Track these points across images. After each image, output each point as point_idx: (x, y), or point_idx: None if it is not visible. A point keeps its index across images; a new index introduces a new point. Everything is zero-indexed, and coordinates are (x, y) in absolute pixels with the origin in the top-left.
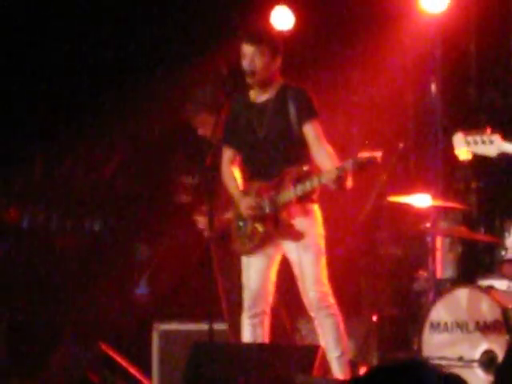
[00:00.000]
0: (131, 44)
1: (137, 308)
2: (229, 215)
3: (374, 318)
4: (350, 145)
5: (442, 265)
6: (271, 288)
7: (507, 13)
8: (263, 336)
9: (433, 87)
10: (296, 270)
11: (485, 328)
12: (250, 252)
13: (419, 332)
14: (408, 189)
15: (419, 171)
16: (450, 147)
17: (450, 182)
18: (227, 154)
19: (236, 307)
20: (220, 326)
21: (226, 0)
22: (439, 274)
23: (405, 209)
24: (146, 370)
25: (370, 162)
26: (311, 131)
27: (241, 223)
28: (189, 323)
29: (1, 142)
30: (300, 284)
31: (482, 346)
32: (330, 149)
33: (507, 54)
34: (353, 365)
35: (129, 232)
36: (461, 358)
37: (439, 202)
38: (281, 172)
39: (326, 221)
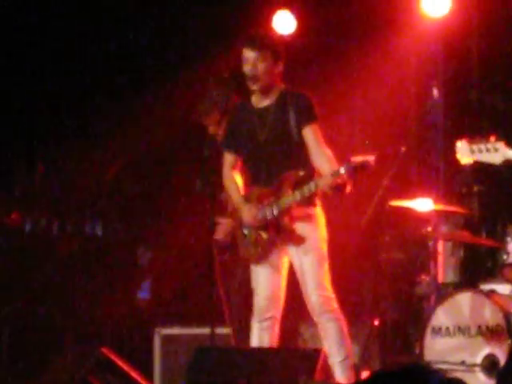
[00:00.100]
0: (134, 47)
1: (139, 312)
2: (231, 222)
3: (376, 323)
4: (352, 149)
5: (444, 269)
6: (281, 294)
7: (509, 17)
8: (271, 342)
9: (435, 91)
10: (298, 275)
11: (487, 332)
12: (257, 259)
13: (421, 336)
14: (410, 193)
15: (421, 175)
16: (451, 151)
17: (452, 186)
18: (229, 158)
19: (238, 312)
20: (222, 331)
21: (228, 4)
22: (441, 279)
23: (407, 213)
24: (148, 375)
25: (364, 166)
26: (310, 135)
27: (245, 230)
28: (191, 327)
29: (2, 146)
30: (302, 288)
31: (483, 350)
32: (329, 152)
33: (509, 58)
34: (355, 369)
35: (131, 236)
36: (463, 363)
37: (441, 207)
38: (280, 177)
39: (329, 225)
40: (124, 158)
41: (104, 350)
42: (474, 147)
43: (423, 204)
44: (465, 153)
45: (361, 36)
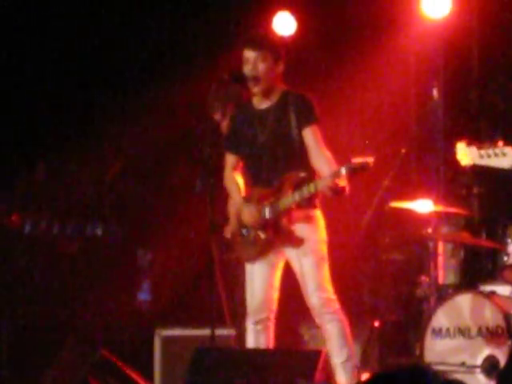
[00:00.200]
0: (135, 48)
1: (139, 313)
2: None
3: (376, 324)
4: (352, 149)
5: (444, 270)
6: (275, 295)
7: (509, 18)
8: (267, 342)
9: (435, 92)
10: (298, 277)
11: (487, 334)
12: (253, 259)
13: (421, 338)
14: (410, 194)
15: (421, 177)
16: (451, 152)
17: (452, 187)
18: (230, 160)
19: (240, 312)
20: (222, 332)
21: (228, 6)
22: (441, 280)
23: (407, 214)
24: (148, 376)
25: (363, 167)
26: (310, 136)
27: (244, 230)
28: (191, 329)
29: (3, 147)
30: (303, 290)
31: (484, 351)
32: (328, 154)
33: (509, 58)
34: (357, 370)
35: (131, 237)
36: (463, 364)
37: (441, 208)
38: (281, 178)
39: (329, 226)
40: (124, 159)
41: (104, 351)
42: (483, 152)
43: (423, 205)
44: (474, 159)
45: (361, 37)
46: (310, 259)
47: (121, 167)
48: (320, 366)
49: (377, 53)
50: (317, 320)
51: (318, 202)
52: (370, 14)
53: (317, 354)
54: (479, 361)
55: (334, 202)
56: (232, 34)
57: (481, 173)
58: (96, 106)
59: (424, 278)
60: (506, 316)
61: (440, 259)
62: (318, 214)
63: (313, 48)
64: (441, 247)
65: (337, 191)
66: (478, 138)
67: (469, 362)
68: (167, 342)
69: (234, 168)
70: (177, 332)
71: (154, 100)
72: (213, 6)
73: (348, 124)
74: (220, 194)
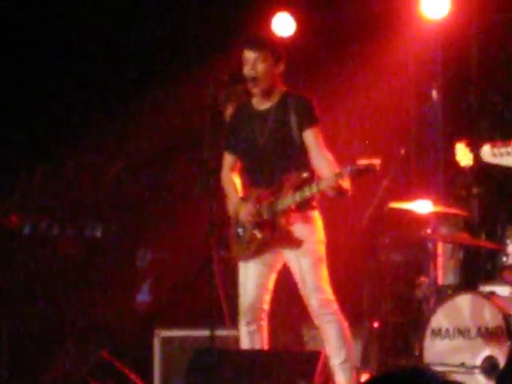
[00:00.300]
0: (134, 49)
1: (138, 314)
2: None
3: (376, 325)
4: (351, 150)
5: (444, 271)
6: (268, 296)
7: (508, 18)
8: (262, 343)
9: (434, 93)
10: (297, 278)
11: (486, 334)
12: (248, 258)
13: (420, 338)
14: (409, 195)
15: (420, 177)
16: (451, 153)
17: (452, 187)
18: (228, 160)
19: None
20: (222, 332)
21: (227, 6)
22: (440, 281)
23: (406, 215)
24: (147, 377)
25: (369, 169)
26: (311, 138)
27: (239, 229)
28: (190, 329)
29: (2, 148)
30: (302, 291)
31: (483, 352)
32: (329, 156)
33: (508, 58)
34: (356, 371)
35: (130, 238)
36: (462, 365)
37: (440, 208)
38: (280, 179)
39: (328, 227)
40: (123, 159)
41: (103, 352)
42: (496, 151)
43: (423, 206)
44: (488, 157)
45: (360, 38)
46: (309, 260)
47: (120, 168)
48: (319, 367)
49: (376, 54)
50: (315, 321)
51: (316, 203)
52: (369, 14)
53: (316, 354)
54: (479, 361)
55: (333, 202)
56: (231, 34)
57: (480, 173)
58: (95, 106)
59: (423, 279)
60: (505, 316)
61: (439, 260)
62: (316, 214)
63: (312, 49)
64: (440, 248)
65: (340, 192)
66: (477, 139)
67: (468, 362)
68: (166, 342)
69: (232, 168)
70: (176, 333)
71: (153, 100)
72: (212, 7)
73: (347, 124)
74: (220, 195)
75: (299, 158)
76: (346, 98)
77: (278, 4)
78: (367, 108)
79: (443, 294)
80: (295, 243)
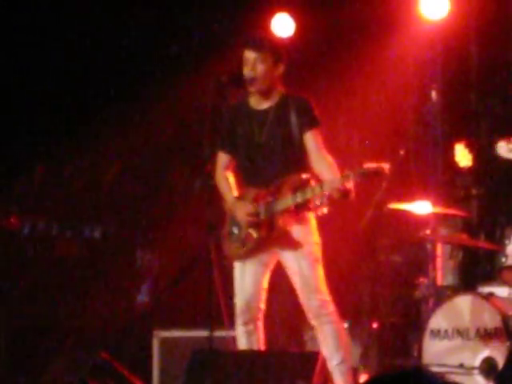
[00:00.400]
0: (133, 49)
1: (137, 315)
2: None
3: (375, 325)
4: (351, 152)
5: (443, 272)
6: (263, 295)
7: (507, 19)
8: (259, 343)
9: (433, 94)
10: (294, 279)
11: (485, 335)
12: (242, 257)
13: (419, 339)
14: (408, 196)
15: (420, 178)
16: (450, 154)
17: (451, 188)
18: (222, 159)
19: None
20: (220, 333)
21: (227, 7)
22: (440, 281)
23: (405, 216)
24: (146, 377)
25: (377, 173)
26: (312, 140)
27: (234, 228)
28: (189, 330)
29: (1, 149)
30: (299, 293)
31: (482, 353)
32: (330, 158)
33: (508, 60)
34: (353, 372)
35: (129, 239)
36: (461, 365)
37: (439, 209)
38: (279, 179)
39: (327, 228)
40: (122, 160)
41: (103, 353)
42: None
43: (422, 207)
44: (504, 152)
45: (359, 39)
46: (308, 261)
47: (119, 169)
48: (318, 367)
49: (375, 55)
50: (313, 322)
51: (312, 204)
52: (368, 15)
53: (315, 355)
54: (477, 362)
55: (332, 204)
56: (230, 35)
57: (479, 174)
58: (94, 108)
59: (422, 280)
60: (504, 317)
61: (438, 261)
62: (312, 216)
63: (311, 49)
64: (439, 249)
65: (345, 194)
66: (476, 140)
67: (467, 363)
68: (165, 343)
69: (227, 167)
70: (175, 333)
71: (152, 101)
72: (211, 8)
73: (346, 125)
74: (218, 195)
75: (297, 158)
76: (345, 98)
77: (277, 4)
78: (366, 109)
79: (442, 295)
80: (293, 244)
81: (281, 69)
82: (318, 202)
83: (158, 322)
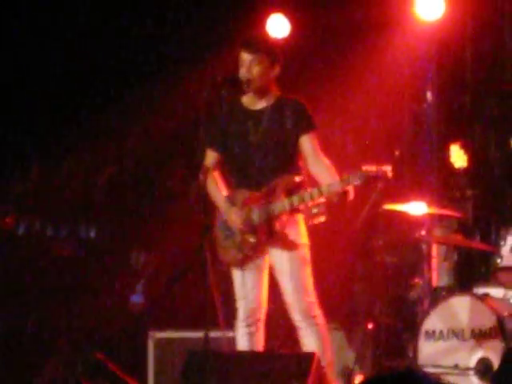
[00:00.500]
0: (129, 53)
1: (132, 316)
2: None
3: (370, 326)
4: (346, 153)
5: (438, 273)
6: (266, 294)
7: (502, 21)
8: (259, 344)
9: (428, 95)
10: (284, 279)
11: (480, 336)
12: (241, 263)
13: (415, 340)
14: (403, 196)
15: (415, 179)
16: (445, 155)
17: (446, 189)
18: (211, 157)
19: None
20: (215, 334)
21: (222, 8)
22: (435, 282)
23: (400, 216)
24: (141, 378)
25: (379, 176)
26: (309, 143)
27: (228, 232)
28: (184, 331)
29: None
30: (287, 294)
31: (477, 353)
32: (327, 161)
33: (502, 62)
34: (348, 373)
35: (124, 240)
36: (456, 366)
37: (435, 210)
38: (271, 181)
39: (322, 229)
40: (117, 161)
41: (97, 354)
42: None
43: (417, 208)
44: None
45: (354, 40)
46: (299, 262)
47: (114, 170)
48: (313, 368)
49: (370, 55)
50: (298, 323)
51: (308, 212)
52: (363, 16)
53: (310, 356)
54: (472, 363)
55: (329, 212)
56: (226, 36)
57: (474, 175)
58: (90, 108)
59: (417, 281)
60: (499, 318)
61: (433, 261)
62: (301, 218)
63: (306, 50)
64: (434, 249)
65: (345, 198)
66: (471, 141)
67: (462, 364)
68: (160, 344)
69: (215, 166)
70: (170, 334)
71: (148, 102)
72: (207, 9)
73: (341, 126)
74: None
75: (290, 161)
76: (340, 99)
77: (272, 5)
78: (361, 110)
79: (437, 296)
80: (285, 245)
81: (276, 70)
82: (315, 211)
83: (153, 323)
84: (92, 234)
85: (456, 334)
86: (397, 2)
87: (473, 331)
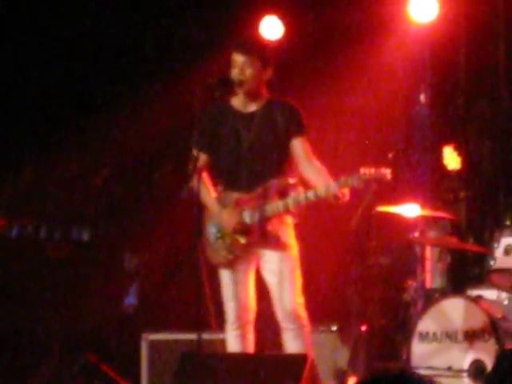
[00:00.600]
0: (122, 56)
1: (125, 318)
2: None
3: (363, 328)
4: (339, 155)
5: (431, 275)
6: (254, 296)
7: (495, 23)
8: (249, 345)
9: (422, 97)
10: (272, 280)
11: (474, 338)
12: (231, 265)
13: (408, 342)
14: (397, 198)
15: (408, 181)
16: (438, 157)
17: (439, 191)
18: (201, 159)
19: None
20: (208, 336)
21: (215, 10)
22: (428, 284)
23: (394, 218)
24: (135, 380)
25: (378, 179)
26: (300, 146)
27: (218, 234)
28: (177, 333)
29: None
30: (276, 294)
31: (470, 355)
32: (319, 164)
33: (496, 63)
34: (341, 375)
35: (117, 242)
36: (449, 368)
37: (428, 212)
38: (263, 184)
39: (315, 230)
40: (111, 163)
41: (91, 356)
42: None
43: (410, 209)
44: None
45: (348, 42)
46: (290, 263)
47: (108, 172)
48: (306, 370)
49: (364, 58)
50: (283, 324)
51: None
52: (357, 18)
53: (303, 358)
54: (466, 365)
55: (320, 206)
56: (219, 38)
57: (468, 177)
58: (83, 110)
59: (411, 283)
60: (492, 320)
61: (427, 263)
62: (291, 220)
63: (300, 52)
64: (428, 251)
65: (342, 199)
66: (465, 143)
67: (455, 366)
68: (154, 346)
69: (203, 168)
70: (163, 336)
71: (140, 104)
72: (200, 11)
73: (335, 128)
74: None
75: (281, 163)
76: (334, 101)
77: (265, 7)
78: (355, 112)
79: (431, 298)
80: (276, 246)
81: (268, 73)
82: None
83: (147, 325)
84: (85, 237)
85: (449, 335)
86: (390, 4)
87: (466, 333)
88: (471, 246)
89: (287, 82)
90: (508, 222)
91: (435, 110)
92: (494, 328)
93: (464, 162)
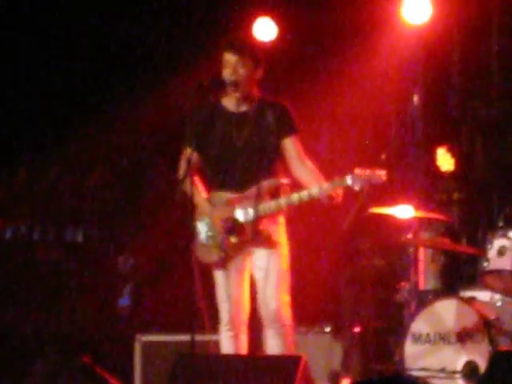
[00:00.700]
0: (116, 57)
1: (119, 319)
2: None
3: (357, 330)
4: (332, 156)
5: (425, 276)
6: (248, 297)
7: (489, 24)
8: (243, 347)
9: (415, 98)
10: (260, 275)
11: (467, 339)
12: (223, 265)
13: (401, 343)
14: (390, 200)
15: (401, 182)
16: (432, 158)
17: (433, 193)
18: (193, 159)
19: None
20: (202, 338)
21: (209, 11)
22: (421, 286)
23: (387, 220)
24: (129, 381)
25: (374, 180)
26: (292, 146)
27: (210, 233)
28: (171, 334)
29: None
30: (260, 290)
31: (464, 357)
32: (311, 164)
33: (489, 64)
34: (335, 376)
35: (111, 243)
36: (443, 370)
37: (421, 213)
38: (255, 184)
39: (309, 231)
40: (105, 164)
41: (84, 357)
42: None
43: (404, 211)
44: None
45: (341, 43)
46: (278, 261)
47: (101, 173)
48: (300, 372)
49: (357, 59)
50: (266, 323)
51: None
52: (350, 20)
53: (297, 359)
54: (459, 366)
55: (313, 207)
56: (212, 39)
57: (461, 178)
58: (77, 112)
59: (404, 284)
60: (485, 322)
61: (420, 265)
62: (283, 220)
63: (293, 54)
64: (421, 253)
65: (336, 200)
66: (458, 144)
67: (449, 367)
68: (147, 347)
69: (193, 168)
70: (157, 337)
71: (133, 106)
72: (193, 11)
73: (328, 129)
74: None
75: (274, 163)
76: (327, 102)
77: (259, 9)
78: (348, 113)
79: (424, 299)
80: (267, 243)
81: (259, 73)
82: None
83: (140, 326)
84: (79, 238)
85: (442, 337)
86: (384, 5)
87: (459, 334)
88: (464, 248)
89: (281, 83)
90: (501, 224)
91: (428, 111)
92: (487, 329)
93: (457, 164)
